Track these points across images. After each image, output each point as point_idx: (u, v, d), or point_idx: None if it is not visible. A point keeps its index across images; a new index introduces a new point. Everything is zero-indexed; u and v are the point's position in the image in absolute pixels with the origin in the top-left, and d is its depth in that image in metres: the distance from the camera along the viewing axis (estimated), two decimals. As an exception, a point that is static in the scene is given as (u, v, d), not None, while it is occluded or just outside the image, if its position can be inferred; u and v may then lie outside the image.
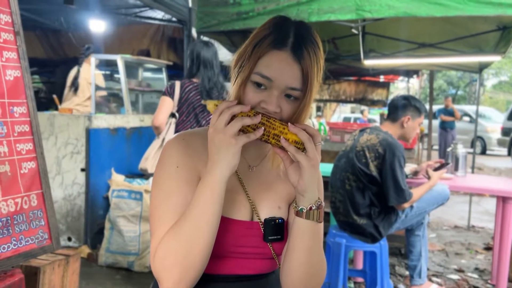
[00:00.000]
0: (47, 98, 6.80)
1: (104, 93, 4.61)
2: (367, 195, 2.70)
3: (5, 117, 1.81)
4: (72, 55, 5.89)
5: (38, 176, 1.90)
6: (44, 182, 1.92)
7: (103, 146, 3.95)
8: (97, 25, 5.38)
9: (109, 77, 5.08)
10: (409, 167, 3.17)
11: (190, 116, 2.93)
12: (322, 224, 1.10)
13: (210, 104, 0.95)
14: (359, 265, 3.32)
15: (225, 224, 1.01)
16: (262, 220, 1.06)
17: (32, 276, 1.93)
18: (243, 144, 0.92)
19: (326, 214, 4.01)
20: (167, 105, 2.92)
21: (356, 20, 3.83)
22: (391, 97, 9.92)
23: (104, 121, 3.97)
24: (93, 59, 4.49)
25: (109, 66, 4.86)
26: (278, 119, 0.97)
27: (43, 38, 6.27)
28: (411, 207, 2.79)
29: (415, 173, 3.14)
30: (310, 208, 0.98)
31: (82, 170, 3.85)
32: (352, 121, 19.94)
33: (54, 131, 3.92)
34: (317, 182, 0.99)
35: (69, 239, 3.92)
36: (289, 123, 0.95)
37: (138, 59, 4.73)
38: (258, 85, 0.97)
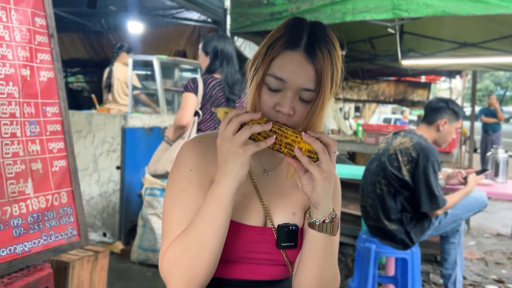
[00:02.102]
0: (90, 97, 7.04)
1: (138, 93, 4.71)
2: (399, 200, 2.62)
3: (38, 117, 1.88)
4: (111, 55, 6.06)
5: (69, 174, 1.96)
6: (74, 180, 1.97)
7: (138, 145, 4.04)
8: (135, 27, 5.52)
9: (145, 77, 5.19)
10: (440, 175, 3.05)
11: (214, 114, 2.79)
12: (337, 237, 1.07)
13: (220, 112, 0.92)
14: (391, 271, 3.23)
15: (237, 229, 1.00)
16: (276, 226, 1.04)
17: (61, 270, 1.99)
18: (252, 154, 0.89)
19: (357, 217, 3.93)
20: (193, 102, 2.74)
21: (393, 19, 3.73)
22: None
23: (139, 120, 4.06)
24: (130, 60, 4.61)
25: (145, 67, 4.97)
26: (291, 127, 0.93)
27: (85, 40, 6.51)
28: (445, 213, 2.69)
29: (448, 179, 3.02)
30: (324, 221, 0.95)
31: (118, 168, 3.96)
32: (392, 122, 19.47)
33: (92, 130, 4.04)
34: (332, 194, 0.96)
35: (104, 234, 4.04)
36: (302, 132, 0.91)
37: (173, 60, 4.80)
38: (273, 87, 0.96)
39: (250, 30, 4.04)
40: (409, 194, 2.60)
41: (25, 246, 1.74)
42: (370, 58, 5.62)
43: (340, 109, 11.22)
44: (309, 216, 0.97)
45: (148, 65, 4.74)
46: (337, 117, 6.05)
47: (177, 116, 2.81)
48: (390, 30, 3.91)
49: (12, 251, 1.69)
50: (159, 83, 4.47)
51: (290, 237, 1.04)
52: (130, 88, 4.57)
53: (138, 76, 5.10)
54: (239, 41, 5.12)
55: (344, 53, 5.36)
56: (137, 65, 4.87)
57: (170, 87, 4.76)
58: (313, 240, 0.98)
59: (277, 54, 0.96)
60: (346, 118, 9.53)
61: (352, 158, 5.56)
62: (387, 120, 20.41)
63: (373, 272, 2.70)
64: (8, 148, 1.74)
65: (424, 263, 3.85)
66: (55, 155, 1.92)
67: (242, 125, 0.89)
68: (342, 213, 4.33)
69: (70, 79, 9.71)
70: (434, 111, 2.70)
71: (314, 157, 0.92)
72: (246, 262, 1.03)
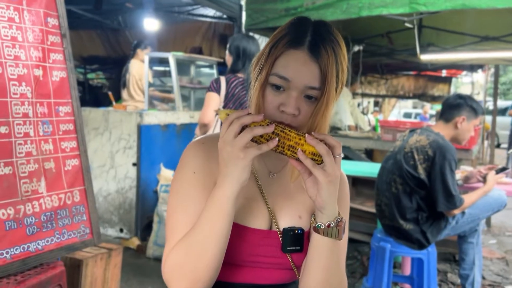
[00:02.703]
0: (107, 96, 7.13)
1: (153, 89, 4.73)
2: (415, 199, 2.57)
3: (51, 116, 1.90)
4: (129, 52, 6.12)
5: (81, 173, 1.98)
6: (86, 179, 1.99)
7: (154, 141, 4.07)
8: (151, 24, 5.55)
9: (161, 74, 5.22)
10: (459, 174, 2.98)
11: None
12: (344, 241, 1.06)
13: (221, 114, 0.90)
14: (407, 270, 3.18)
15: (241, 232, 0.99)
16: (281, 230, 1.02)
17: (75, 268, 2.02)
18: (253, 157, 0.87)
19: (374, 215, 3.87)
20: (215, 101, 2.84)
21: (411, 13, 3.65)
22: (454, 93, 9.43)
23: (155, 117, 4.09)
24: (146, 57, 4.64)
25: (161, 64, 5.00)
26: (295, 129, 0.91)
27: (103, 37, 6.58)
28: (463, 213, 2.62)
29: (466, 180, 2.94)
30: (329, 225, 0.93)
31: (134, 164, 3.99)
32: (412, 117, 19.14)
33: (109, 127, 4.09)
34: (337, 197, 0.94)
35: (121, 230, 4.09)
36: (306, 134, 0.89)
37: (189, 57, 4.81)
38: (277, 87, 0.95)
39: (265, 26, 4.01)
40: (425, 193, 2.55)
41: (38, 244, 1.77)
42: (388, 53, 5.52)
43: (359, 104, 11.12)
44: (314, 219, 0.95)
45: (164, 62, 4.76)
46: (355, 113, 5.95)
47: (200, 114, 2.95)
48: (407, 24, 3.82)
49: (25, 249, 1.72)
50: (174, 80, 4.49)
51: (296, 241, 1.02)
52: (146, 85, 4.60)
53: (155, 73, 5.13)
54: (255, 37, 5.10)
55: (361, 48, 5.28)
56: (153, 62, 4.90)
57: (186, 84, 4.78)
58: (318, 244, 0.96)
59: (281, 53, 0.95)
60: (364, 113, 9.41)
61: (369, 154, 5.49)
62: (407, 115, 20.06)
63: (388, 271, 2.67)
64: (22, 148, 1.77)
65: (442, 262, 3.78)
66: (67, 154, 1.95)
67: (244, 128, 0.88)
68: (359, 211, 4.28)
69: (91, 75, 9.85)
70: (452, 108, 2.63)
71: (318, 159, 0.90)
72: (251, 266, 1.02)
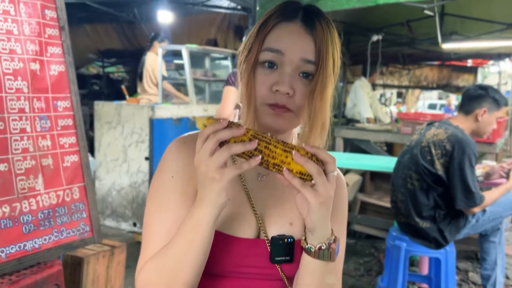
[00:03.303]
0: (130, 87, 7.15)
1: (166, 82, 4.68)
2: (432, 196, 2.44)
3: (49, 112, 1.86)
4: (145, 45, 6.09)
5: (81, 169, 1.93)
6: (86, 175, 1.94)
7: (166, 135, 4.02)
8: (166, 16, 5.49)
9: (177, 67, 5.17)
10: (480, 169, 2.82)
11: None
12: (341, 250, 0.96)
13: (198, 123, 0.79)
14: (425, 269, 3.05)
15: (226, 241, 0.90)
16: (269, 238, 0.93)
17: (76, 266, 1.98)
18: (231, 178, 0.76)
19: (391, 210, 3.74)
20: (233, 95, 2.76)
21: (431, 0, 3.49)
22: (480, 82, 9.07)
23: (167, 111, 4.04)
24: (160, 50, 4.59)
25: (175, 56, 4.94)
26: (282, 143, 0.79)
27: (119, 30, 6.57)
28: (484, 211, 2.48)
29: (487, 176, 2.78)
30: (320, 248, 0.84)
31: (146, 158, 3.96)
32: (437, 108, 18.67)
33: (121, 121, 4.06)
34: (333, 204, 0.84)
35: (134, 224, 4.08)
36: (293, 151, 0.78)
37: (203, 49, 4.74)
38: (269, 64, 0.86)
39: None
40: (443, 190, 2.41)
41: (35, 242, 1.73)
42: (408, 42, 5.32)
43: (381, 96, 10.88)
44: (305, 240, 0.86)
45: (178, 54, 4.70)
46: (374, 105, 5.79)
47: (218, 109, 2.88)
48: (427, 12, 3.65)
49: (21, 248, 1.68)
50: (188, 73, 4.42)
51: (286, 250, 0.93)
52: (160, 78, 4.55)
53: (170, 66, 5.08)
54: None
55: (380, 37, 5.10)
56: (168, 54, 4.85)
57: (200, 77, 4.71)
58: (308, 265, 0.87)
59: (271, 27, 0.87)
60: (386, 105, 9.18)
61: (389, 148, 5.33)
62: (432, 106, 19.60)
63: (403, 271, 2.55)
64: (18, 144, 1.72)
65: (463, 261, 3.62)
66: (66, 150, 1.90)
67: (223, 143, 0.77)
68: (376, 206, 4.15)
69: (111, 69, 9.92)
70: (472, 99, 2.47)
71: (307, 178, 0.79)
72: (237, 277, 0.93)
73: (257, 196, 0.96)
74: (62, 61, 1.93)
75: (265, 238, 0.93)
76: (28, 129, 1.77)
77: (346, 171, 4.70)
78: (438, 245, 2.46)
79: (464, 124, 2.48)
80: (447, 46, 4.81)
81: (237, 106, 2.83)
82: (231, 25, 5.61)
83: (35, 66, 1.82)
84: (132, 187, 4.07)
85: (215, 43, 5.70)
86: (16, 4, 1.77)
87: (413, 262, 3.45)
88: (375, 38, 4.94)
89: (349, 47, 6.19)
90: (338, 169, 1.05)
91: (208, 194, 0.78)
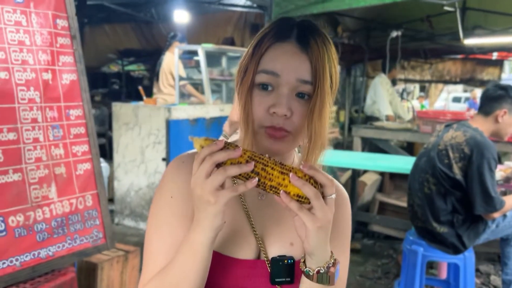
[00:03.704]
0: (150, 86, 7.20)
1: (184, 83, 4.69)
2: (450, 200, 2.37)
3: (61, 120, 1.88)
4: (163, 45, 6.12)
5: (93, 177, 1.95)
6: (99, 183, 1.97)
7: (183, 136, 4.04)
8: (183, 15, 5.50)
9: (196, 64, 5.16)
10: (500, 172, 2.72)
11: None
12: (344, 272, 0.95)
13: (195, 144, 0.78)
14: (444, 274, 2.98)
15: (225, 263, 0.89)
16: (269, 259, 0.92)
17: (91, 271, 2.01)
18: (227, 200, 0.75)
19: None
20: None
21: (451, -4, 3.39)
22: (505, 76, 8.82)
23: (183, 112, 4.05)
24: (176, 50, 4.60)
25: (194, 54, 4.94)
26: (279, 165, 0.78)
27: (138, 30, 6.63)
28: (504, 216, 2.40)
29: (508, 180, 2.69)
30: (318, 272, 0.82)
31: (163, 159, 3.99)
32: (462, 101, 18.22)
33: (138, 122, 4.10)
34: (335, 223, 0.83)
35: (152, 225, 4.11)
36: (291, 174, 0.76)
37: (219, 48, 4.73)
38: (264, 86, 0.85)
39: (294, 14, 3.85)
40: (461, 195, 2.34)
41: (49, 250, 1.76)
42: (429, 37, 5.19)
43: (403, 91, 10.69)
44: (303, 263, 0.84)
45: (194, 54, 4.70)
46: (394, 102, 5.67)
47: (231, 111, 2.83)
48: (447, 8, 3.54)
49: (35, 256, 1.71)
50: (204, 72, 4.42)
51: (286, 271, 0.91)
52: (177, 79, 4.56)
53: (190, 63, 5.07)
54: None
55: (399, 33, 4.99)
56: (185, 54, 4.86)
57: (216, 76, 4.70)
58: None
59: (266, 48, 0.85)
60: (408, 100, 9.01)
61: (410, 147, 5.22)
62: (456, 99, 19.14)
63: (420, 277, 2.49)
64: (31, 154, 1.75)
65: (485, 263, 3.53)
66: (79, 158, 1.92)
67: (220, 165, 0.76)
68: (395, 206, 4.08)
69: (132, 67, 10.03)
70: (492, 100, 2.39)
71: (305, 201, 0.77)
72: None
73: (257, 215, 0.94)
74: (74, 70, 1.95)
75: (265, 259, 0.92)
76: (41, 139, 1.80)
77: (364, 170, 4.64)
78: (456, 251, 2.40)
79: (483, 125, 2.40)
80: (470, 41, 4.68)
81: None
82: (247, 23, 5.58)
83: (47, 76, 1.84)
84: (150, 188, 4.10)
85: (232, 42, 5.69)
86: (28, 15, 1.80)
87: (432, 265, 3.38)
88: (394, 34, 4.84)
89: (369, 43, 6.09)
90: (341, 186, 1.03)
91: (204, 217, 0.77)
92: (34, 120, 1.78)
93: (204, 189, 0.74)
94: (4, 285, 1.59)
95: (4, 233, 1.63)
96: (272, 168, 0.77)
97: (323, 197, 0.78)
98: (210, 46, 4.59)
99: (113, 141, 4.31)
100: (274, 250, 0.93)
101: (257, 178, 0.76)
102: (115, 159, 4.31)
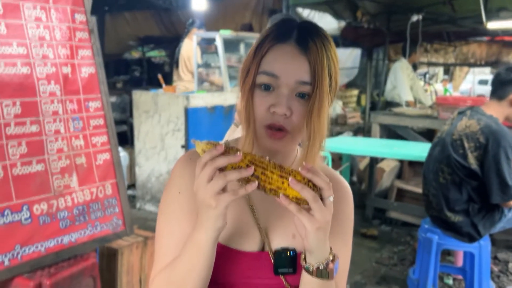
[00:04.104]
0: (170, 72, 7.26)
1: (202, 70, 4.73)
2: (465, 190, 2.36)
3: (81, 112, 1.95)
4: (181, 32, 6.16)
5: (112, 167, 2.03)
6: (118, 172, 2.04)
7: (201, 124, 4.10)
8: (201, 2, 5.51)
9: (216, 50, 5.17)
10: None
11: None
12: (346, 262, 1.00)
13: (198, 147, 0.81)
14: (460, 261, 2.98)
15: (230, 255, 0.95)
16: (273, 251, 0.96)
17: (112, 256, 2.10)
18: (228, 203, 0.79)
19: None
20: None
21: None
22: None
23: (201, 99, 4.10)
24: (194, 37, 4.63)
25: (210, 43, 4.96)
26: (279, 168, 0.81)
27: (157, 17, 6.68)
28: (521, 204, 2.38)
29: None
30: (318, 268, 0.86)
31: (182, 147, 4.06)
32: (489, 84, 17.72)
33: (158, 110, 4.17)
34: (338, 215, 0.88)
35: (173, 210, 4.22)
36: (290, 178, 0.79)
37: (237, 35, 4.74)
38: (265, 87, 0.88)
39: (311, 1, 3.83)
40: (477, 184, 2.33)
41: (71, 237, 1.85)
42: (451, 20, 5.07)
43: (425, 74, 10.48)
44: (304, 259, 0.88)
45: (212, 41, 4.73)
46: (415, 87, 5.59)
47: (238, 101, 2.84)
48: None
49: (59, 242, 1.80)
50: (222, 60, 4.45)
51: (288, 262, 0.96)
52: (195, 66, 4.60)
53: (210, 48, 5.09)
54: (305, 12, 4.91)
55: (420, 17, 4.89)
56: (204, 41, 4.88)
57: (234, 63, 4.72)
58: (308, 283, 0.89)
59: (267, 50, 0.89)
60: (430, 83, 8.84)
61: (430, 134, 5.15)
62: (483, 82, 18.61)
63: (435, 265, 2.51)
64: (53, 145, 1.83)
65: (504, 251, 3.51)
66: (98, 149, 1.99)
67: (222, 169, 0.80)
68: (413, 193, 4.07)
69: (153, 53, 10.11)
70: (504, 84, 2.34)
71: (304, 202, 0.80)
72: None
73: (261, 208, 0.99)
74: (92, 63, 2.01)
75: (269, 251, 0.96)
76: (62, 130, 1.87)
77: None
78: (471, 239, 2.40)
79: (497, 110, 2.36)
80: (493, 25, 4.55)
81: None
82: (265, 9, 5.56)
83: (67, 70, 1.91)
84: (170, 174, 4.19)
85: (250, 28, 5.68)
86: (47, 11, 1.86)
87: (450, 252, 3.38)
88: (415, 18, 4.74)
89: (389, 26, 5.98)
90: (342, 178, 1.06)
91: (206, 219, 0.81)
92: (55, 113, 1.85)
93: (206, 193, 0.78)
94: (31, 269, 1.69)
95: (29, 220, 1.72)
96: (272, 172, 0.81)
97: (322, 199, 0.81)
98: (228, 33, 4.60)
99: (134, 129, 4.41)
100: (277, 242, 0.97)
101: (256, 182, 0.80)
102: (136, 146, 4.41)
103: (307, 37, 0.87)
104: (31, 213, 1.73)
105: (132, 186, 4.68)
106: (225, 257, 0.93)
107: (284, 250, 0.95)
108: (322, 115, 0.88)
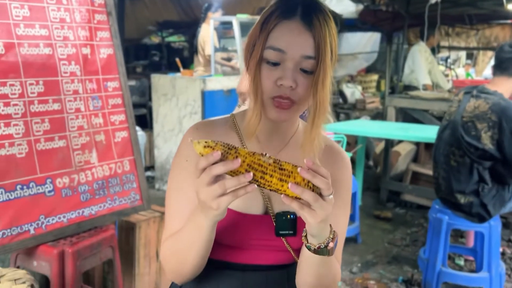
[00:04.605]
0: (187, 58, 7.35)
1: (219, 54, 4.79)
2: (476, 171, 2.37)
3: (100, 92, 2.04)
4: (200, 16, 6.21)
5: (130, 144, 2.12)
6: (135, 150, 2.13)
7: (217, 106, 4.18)
8: (219, -14, 5.54)
9: (230, 37, 5.24)
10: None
11: None
12: (342, 231, 1.05)
13: (196, 149, 0.81)
14: (471, 242, 3.01)
15: (236, 218, 1.02)
16: (275, 214, 1.03)
17: (130, 230, 2.21)
18: (227, 205, 0.84)
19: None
20: None
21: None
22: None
23: (218, 83, 4.17)
24: (211, 21, 4.68)
25: (229, 27, 5.00)
26: (278, 171, 0.83)
27: (176, 1, 6.73)
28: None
29: None
30: (319, 247, 0.91)
31: (199, 129, 4.14)
32: None
33: (176, 93, 4.26)
34: (337, 183, 0.95)
35: (190, 191, 4.33)
36: (289, 184, 0.82)
37: (253, 19, 4.76)
38: (272, 60, 0.94)
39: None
40: (491, 164, 2.34)
41: (91, 209, 1.96)
42: (470, 2, 4.98)
43: (447, 58, 10.28)
44: (305, 237, 0.92)
45: (229, 25, 4.77)
46: (434, 70, 5.53)
47: (239, 82, 2.85)
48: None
49: (80, 214, 1.91)
50: (238, 43, 4.50)
51: (289, 225, 1.02)
52: (212, 50, 4.66)
53: (229, 33, 5.13)
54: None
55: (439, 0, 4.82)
56: (222, 25, 4.93)
57: (251, 47, 4.75)
58: (308, 258, 0.95)
59: (273, 26, 0.94)
60: (451, 68, 8.69)
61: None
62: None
63: (444, 244, 2.55)
64: (74, 122, 1.93)
65: (517, 233, 3.51)
66: (117, 127, 2.09)
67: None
68: (428, 176, 4.07)
69: (172, 38, 10.21)
70: (508, 60, 2.33)
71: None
72: (248, 248, 1.05)
73: None
74: (110, 45, 2.09)
75: (271, 214, 1.03)
76: (82, 109, 1.97)
77: (399, 140, 4.62)
78: (481, 219, 2.43)
79: (504, 86, 2.35)
80: (514, 6, 4.47)
81: None
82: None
83: (86, 51, 2.00)
84: (187, 156, 4.29)
85: (267, 12, 5.67)
86: (67, -6, 1.94)
87: (462, 234, 3.40)
88: (433, 0, 4.69)
89: (408, 9, 5.91)
90: (340, 147, 1.13)
91: (206, 217, 0.87)
92: (76, 92, 1.95)
93: (207, 197, 0.82)
94: (54, 238, 1.80)
95: (52, 193, 1.83)
96: (271, 176, 0.82)
97: (322, 196, 0.84)
98: (244, 17, 4.63)
99: (153, 112, 4.52)
100: (278, 206, 1.04)
101: (255, 185, 0.82)
102: (155, 128, 4.52)
103: (311, 13, 0.93)
104: (54, 186, 1.84)
105: (151, 167, 4.81)
106: (229, 219, 0.99)
107: (285, 213, 1.02)
108: (326, 86, 0.94)
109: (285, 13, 0.94)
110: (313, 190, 0.82)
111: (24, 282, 1.38)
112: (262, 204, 1.04)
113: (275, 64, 0.94)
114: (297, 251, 1.06)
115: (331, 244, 0.91)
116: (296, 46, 0.92)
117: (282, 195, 0.84)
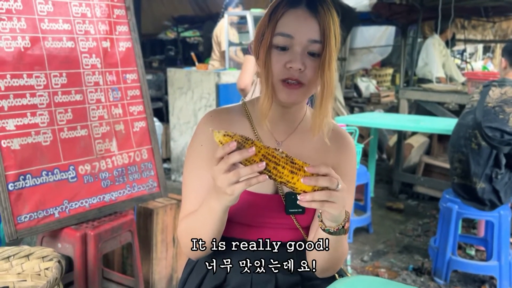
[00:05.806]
0: (202, 53, 7.44)
1: (235, 49, 4.86)
2: (493, 155, 2.42)
3: (119, 84, 2.14)
4: (215, 11, 6.29)
5: (148, 134, 2.21)
6: (153, 139, 2.22)
7: (232, 100, 4.25)
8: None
9: (244, 34, 5.30)
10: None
11: None
12: (350, 204, 1.12)
13: (215, 137, 0.87)
14: (482, 232, 3.03)
15: (248, 197, 1.09)
16: (284, 193, 1.11)
17: (148, 216, 2.30)
18: (241, 192, 0.89)
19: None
20: (252, 64, 2.73)
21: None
22: None
23: (232, 76, 4.24)
24: (226, 16, 4.76)
25: (245, 22, 5.07)
26: (290, 164, 0.88)
27: (191, -3, 6.84)
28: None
29: None
30: (337, 229, 0.97)
31: (214, 121, 4.23)
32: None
33: (191, 86, 4.35)
34: (342, 170, 1.05)
35: (205, 182, 4.42)
36: (303, 178, 0.88)
37: (267, 13, 4.82)
38: (281, 45, 1.02)
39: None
40: (510, 149, 2.39)
41: (112, 195, 2.05)
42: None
43: (463, 52, 10.18)
44: (321, 221, 0.98)
45: (244, 19, 4.83)
46: (448, 63, 5.51)
47: (238, 77, 2.88)
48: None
49: (101, 200, 2.01)
50: (252, 37, 4.56)
51: (298, 204, 1.10)
52: (227, 44, 4.73)
53: (241, 30, 5.20)
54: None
55: (454, -8, 4.80)
56: (237, 20, 5.00)
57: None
58: (323, 236, 1.00)
59: (281, 14, 1.02)
60: (467, 61, 8.61)
61: (461, 110, 5.11)
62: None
63: (454, 233, 2.59)
64: (95, 112, 2.03)
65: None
66: (135, 117, 2.18)
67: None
68: (442, 168, 4.09)
69: (187, 33, 10.32)
70: None
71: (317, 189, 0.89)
72: (260, 226, 1.13)
73: None
74: (129, 38, 2.18)
75: (281, 193, 1.11)
76: (103, 99, 2.06)
77: (412, 133, 4.64)
78: (492, 206, 2.46)
79: None
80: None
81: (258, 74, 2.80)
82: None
83: (106, 44, 2.09)
84: (202, 148, 4.38)
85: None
86: (88, -10, 2.03)
87: (474, 225, 3.43)
88: (447, -8, 4.68)
89: (423, 1, 5.89)
90: (345, 132, 1.19)
91: (221, 202, 0.94)
92: (96, 83, 2.04)
93: (223, 184, 0.88)
94: (77, 221, 1.91)
95: (75, 179, 1.93)
96: (283, 167, 0.88)
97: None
98: (258, 11, 4.70)
99: (169, 105, 4.62)
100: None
101: (267, 176, 0.88)
102: (171, 121, 4.62)
103: (315, 1, 1.02)
104: (77, 173, 1.94)
105: (167, 159, 4.92)
106: (242, 199, 1.06)
107: (294, 192, 1.10)
108: (332, 68, 1.02)
109: (292, 2, 1.02)
110: (322, 189, 0.88)
111: (51, 259, 1.48)
112: (273, 184, 1.12)
113: (284, 48, 1.01)
114: (306, 229, 1.13)
115: (347, 225, 0.98)
116: (303, 31, 1.00)
117: (300, 197, 0.89)
